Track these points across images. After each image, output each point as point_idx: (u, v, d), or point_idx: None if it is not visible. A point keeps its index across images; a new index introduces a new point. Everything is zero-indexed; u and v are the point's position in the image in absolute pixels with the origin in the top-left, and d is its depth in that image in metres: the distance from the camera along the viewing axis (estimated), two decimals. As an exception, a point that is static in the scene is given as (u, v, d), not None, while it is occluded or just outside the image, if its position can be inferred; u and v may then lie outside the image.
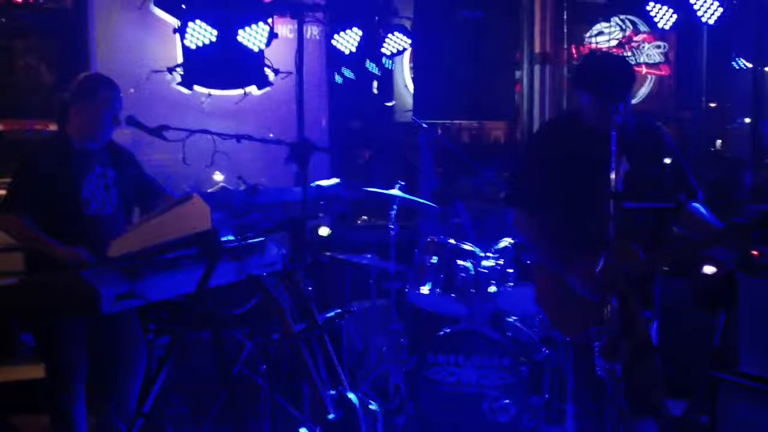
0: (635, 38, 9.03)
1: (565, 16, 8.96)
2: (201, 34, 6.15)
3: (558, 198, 3.99)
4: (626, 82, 4.00)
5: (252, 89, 6.88)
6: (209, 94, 6.68)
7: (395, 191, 5.77)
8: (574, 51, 9.13)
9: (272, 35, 6.46)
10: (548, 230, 4.01)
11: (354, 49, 7.04)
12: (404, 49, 7.50)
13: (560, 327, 4.16)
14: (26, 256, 4.28)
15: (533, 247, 4.41)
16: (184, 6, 6.29)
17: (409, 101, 8.79)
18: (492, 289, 5.37)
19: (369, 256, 5.86)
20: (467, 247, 5.54)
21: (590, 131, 3.97)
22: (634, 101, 8.61)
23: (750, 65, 8.09)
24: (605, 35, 9.05)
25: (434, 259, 5.48)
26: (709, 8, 6.79)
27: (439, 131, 9.00)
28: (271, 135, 6.58)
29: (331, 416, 4.08)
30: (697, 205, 4.03)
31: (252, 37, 6.32)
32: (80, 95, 4.32)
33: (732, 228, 3.74)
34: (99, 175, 4.35)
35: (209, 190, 3.95)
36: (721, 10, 6.78)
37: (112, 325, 4.24)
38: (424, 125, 6.94)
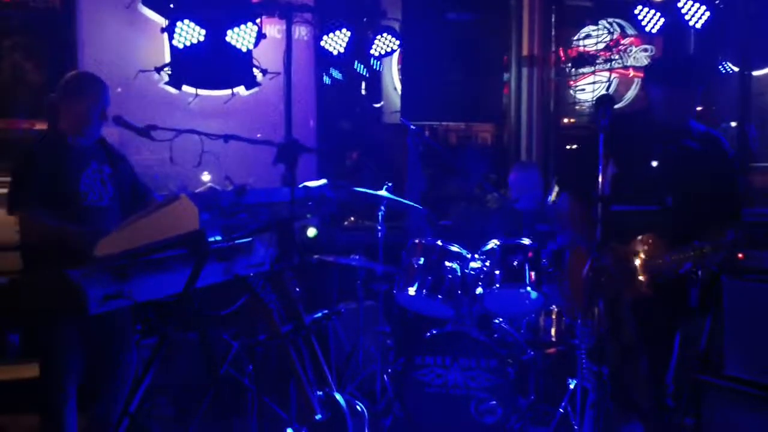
0: (623, 41, 9.04)
1: (553, 19, 9.00)
2: (189, 33, 6.14)
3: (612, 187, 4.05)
4: (698, 75, 4.18)
5: (240, 89, 6.87)
6: (197, 94, 6.67)
7: (383, 192, 5.77)
8: (561, 54, 9.16)
9: (260, 36, 6.46)
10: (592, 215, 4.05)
11: (342, 50, 7.03)
12: (393, 51, 7.50)
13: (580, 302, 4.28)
14: (23, 256, 4.23)
15: (576, 229, 4.49)
16: (172, 5, 6.28)
17: (397, 102, 8.79)
18: (479, 290, 5.37)
19: (356, 257, 5.85)
20: (454, 248, 5.53)
21: (662, 127, 4.14)
22: (620, 105, 8.67)
23: (736, 69, 8.12)
24: (593, 38, 9.07)
25: (421, 261, 5.48)
26: (696, 12, 6.83)
27: (427, 133, 8.99)
28: (259, 135, 6.58)
29: (317, 417, 4.09)
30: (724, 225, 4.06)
31: (240, 37, 6.31)
32: (68, 93, 4.33)
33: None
34: (95, 170, 4.37)
35: (197, 191, 3.95)
36: (708, 14, 6.83)
37: (105, 326, 4.21)
38: (412, 126, 6.94)
